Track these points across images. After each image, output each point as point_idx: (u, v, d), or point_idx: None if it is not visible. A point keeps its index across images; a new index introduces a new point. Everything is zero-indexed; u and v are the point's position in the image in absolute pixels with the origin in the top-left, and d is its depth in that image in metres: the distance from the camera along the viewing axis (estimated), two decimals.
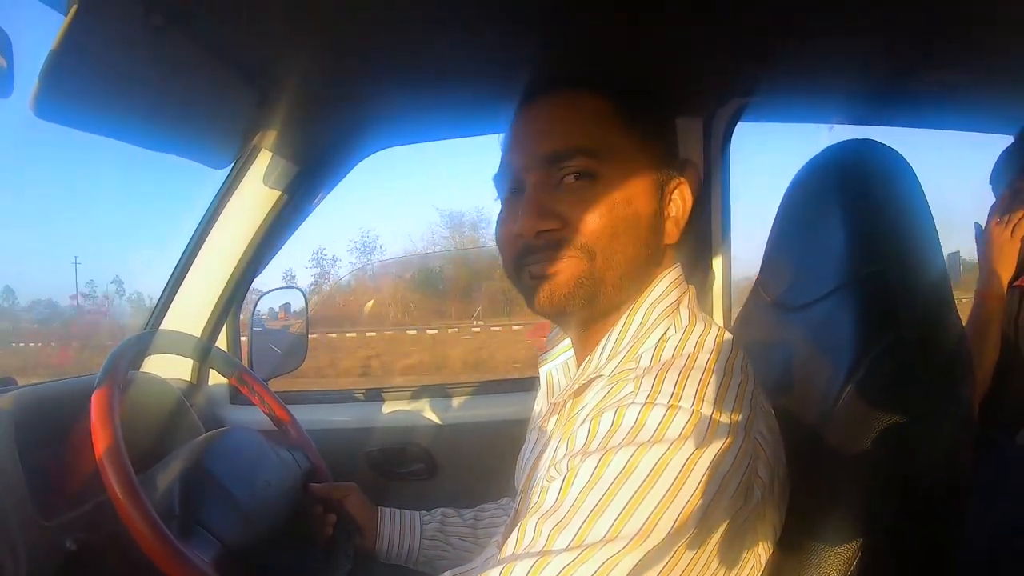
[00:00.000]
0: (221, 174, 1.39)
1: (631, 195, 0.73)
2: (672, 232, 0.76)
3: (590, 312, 0.76)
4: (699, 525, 0.60)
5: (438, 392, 1.57)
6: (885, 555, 0.71)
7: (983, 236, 1.48)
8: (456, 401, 1.55)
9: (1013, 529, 1.25)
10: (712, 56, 1.20)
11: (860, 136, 0.90)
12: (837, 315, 0.81)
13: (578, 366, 0.81)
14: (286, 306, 1.66)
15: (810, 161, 0.94)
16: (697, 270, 1.44)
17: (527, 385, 1.52)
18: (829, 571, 0.70)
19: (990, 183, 1.53)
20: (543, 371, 0.90)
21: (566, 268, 0.73)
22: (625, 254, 0.73)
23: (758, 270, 1.07)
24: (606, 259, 0.73)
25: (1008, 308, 1.46)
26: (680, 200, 0.76)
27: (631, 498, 0.59)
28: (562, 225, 0.73)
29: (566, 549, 0.59)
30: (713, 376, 0.65)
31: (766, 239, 1.04)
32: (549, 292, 0.73)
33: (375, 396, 1.59)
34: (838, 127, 1.55)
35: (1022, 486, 1.31)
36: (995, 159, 1.54)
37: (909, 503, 0.71)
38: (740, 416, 0.64)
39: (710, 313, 1.41)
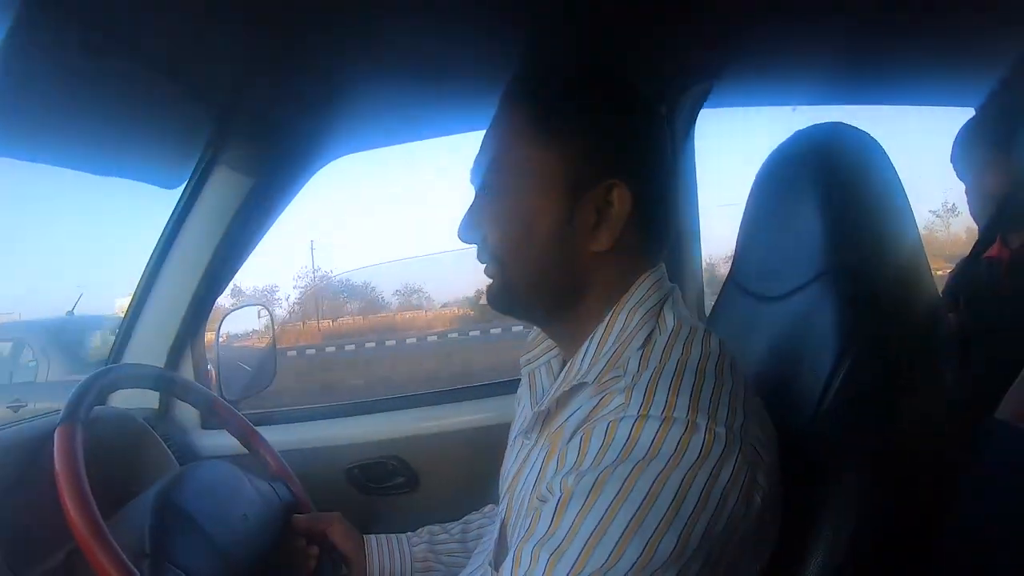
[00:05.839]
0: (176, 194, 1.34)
1: (525, 207, 0.72)
2: (603, 238, 0.72)
3: (530, 316, 0.80)
4: (700, 544, 0.58)
5: (414, 402, 1.53)
6: (877, 540, 0.70)
7: None
8: (433, 409, 1.51)
9: (999, 499, 1.26)
10: (672, 41, 1.18)
11: (821, 116, 0.89)
12: (817, 305, 0.80)
13: (562, 366, 0.79)
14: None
15: (781, 145, 0.92)
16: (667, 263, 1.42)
17: (504, 389, 1.49)
18: (828, 556, 0.69)
19: (951, 161, 1.51)
20: (525, 372, 0.87)
21: (490, 275, 0.76)
22: (531, 264, 0.73)
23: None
24: (513, 269, 0.74)
25: (976, 280, 1.45)
26: (617, 202, 0.71)
27: (630, 520, 0.56)
28: (482, 236, 0.75)
29: None
30: (705, 382, 0.63)
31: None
32: (486, 296, 0.77)
33: (350, 410, 1.55)
34: (801, 108, 1.55)
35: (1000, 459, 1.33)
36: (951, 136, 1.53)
37: (902, 497, 0.71)
38: (736, 423, 0.62)
39: None
